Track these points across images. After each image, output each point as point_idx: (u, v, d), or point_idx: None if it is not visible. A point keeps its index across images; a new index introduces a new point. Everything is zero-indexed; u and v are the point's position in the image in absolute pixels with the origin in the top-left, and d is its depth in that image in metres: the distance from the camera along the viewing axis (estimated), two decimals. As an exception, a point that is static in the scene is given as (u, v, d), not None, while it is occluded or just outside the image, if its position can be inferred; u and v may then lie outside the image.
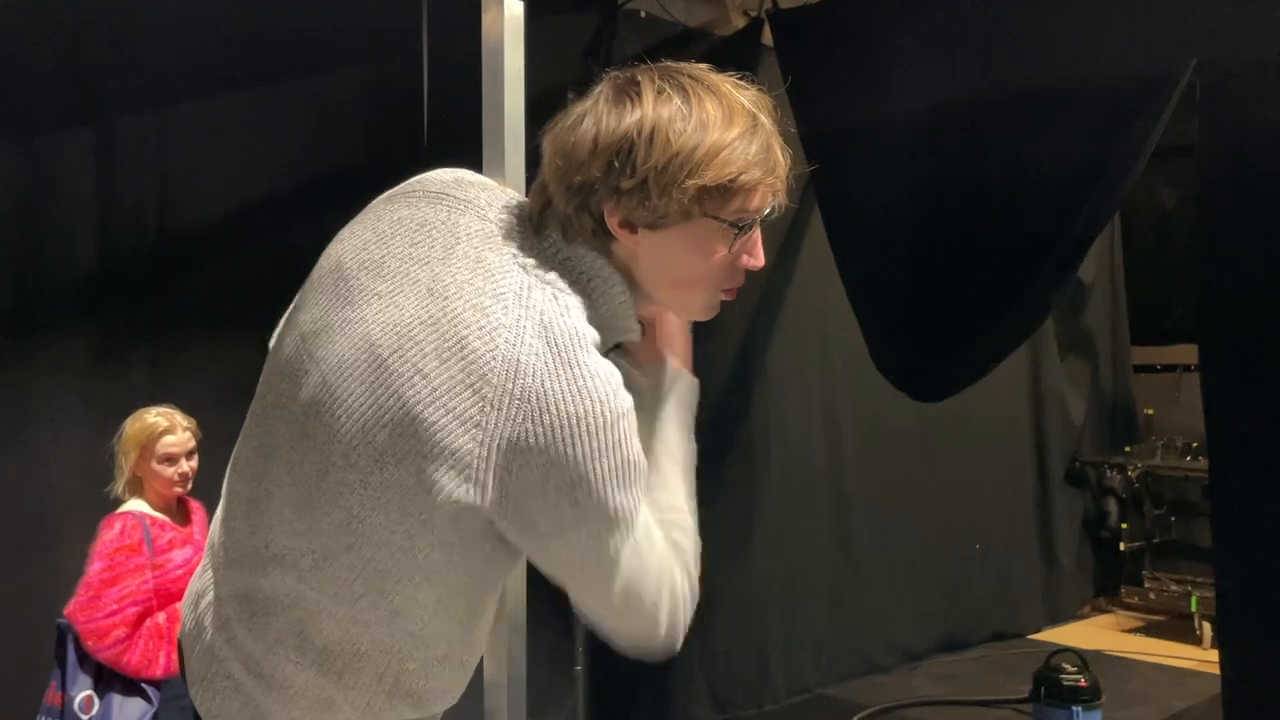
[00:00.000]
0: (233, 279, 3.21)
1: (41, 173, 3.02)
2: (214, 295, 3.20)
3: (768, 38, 4.31)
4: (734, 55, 4.48)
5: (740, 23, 4.53)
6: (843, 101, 3.94)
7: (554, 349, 1.09)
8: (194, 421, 2.74)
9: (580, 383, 1.08)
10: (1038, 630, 5.85)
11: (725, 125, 1.12)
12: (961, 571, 5.55)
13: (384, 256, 1.20)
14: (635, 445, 1.13)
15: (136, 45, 3.11)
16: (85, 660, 2.52)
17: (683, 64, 1.19)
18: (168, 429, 2.66)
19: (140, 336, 3.07)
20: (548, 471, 1.08)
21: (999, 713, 4.59)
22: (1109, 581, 6.32)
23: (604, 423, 1.08)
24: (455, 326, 1.11)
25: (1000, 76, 3.52)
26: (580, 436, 1.07)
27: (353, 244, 1.24)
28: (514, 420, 1.07)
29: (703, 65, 1.19)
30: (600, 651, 3.82)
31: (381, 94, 3.73)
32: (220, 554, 1.29)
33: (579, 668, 3.52)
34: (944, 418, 5.19)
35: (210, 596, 1.30)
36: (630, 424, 1.12)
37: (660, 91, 1.13)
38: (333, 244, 1.28)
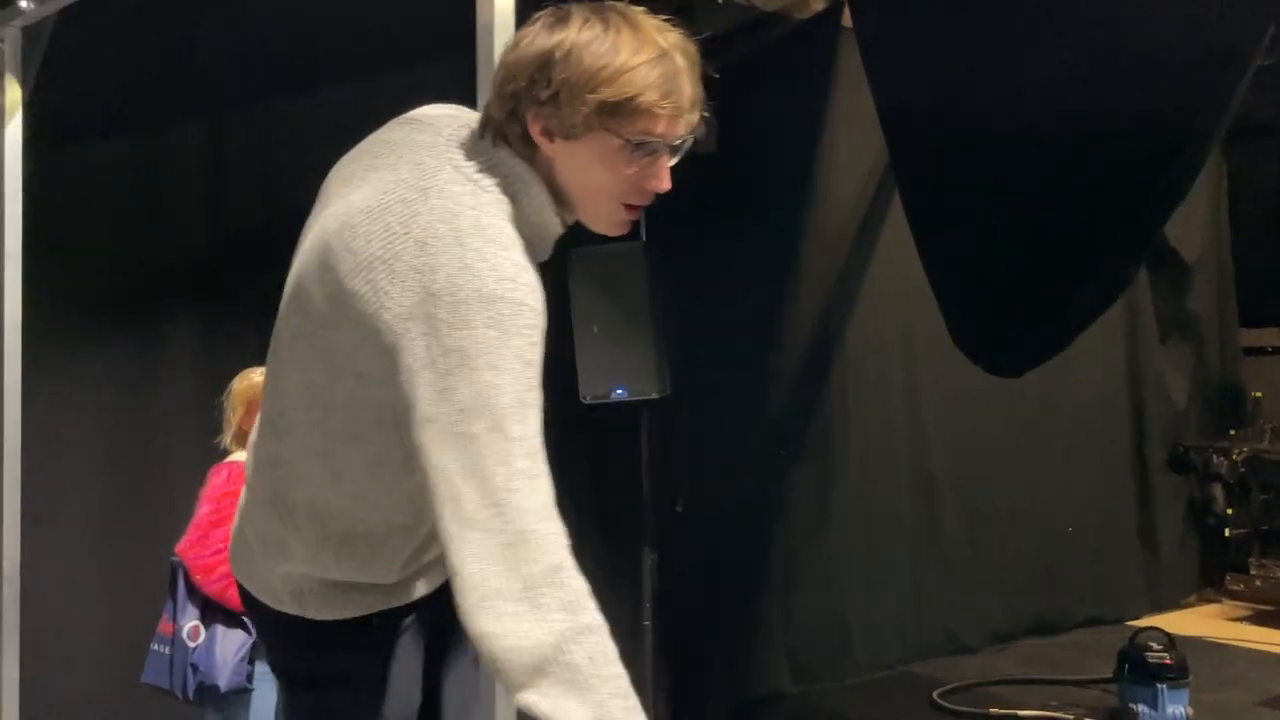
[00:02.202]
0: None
1: (163, 161, 3.33)
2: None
3: (847, 19, 4.37)
4: (813, 38, 4.56)
5: (819, 5, 4.60)
6: (921, 80, 3.99)
7: (456, 234, 1.24)
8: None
9: (466, 263, 1.22)
10: (1139, 617, 5.72)
11: (633, 52, 1.27)
12: (1054, 555, 5.49)
13: (353, 170, 1.42)
14: (522, 333, 1.21)
15: (247, 40, 3.39)
16: (194, 593, 2.78)
17: (616, 2, 1.35)
18: (269, 386, 2.91)
19: (248, 307, 3.36)
20: (433, 338, 1.20)
21: (1087, 692, 4.54)
22: (1215, 569, 6.14)
23: (483, 299, 1.20)
24: (383, 214, 1.29)
25: (1082, 48, 3.52)
26: (460, 307, 1.20)
27: (338, 165, 1.48)
28: (415, 289, 1.23)
29: (637, 7, 1.34)
30: (672, 612, 3.98)
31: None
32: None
33: (647, 623, 3.66)
34: (1036, 400, 5.16)
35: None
36: (519, 314, 1.22)
37: (586, 20, 1.29)
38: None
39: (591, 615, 1.17)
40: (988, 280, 3.95)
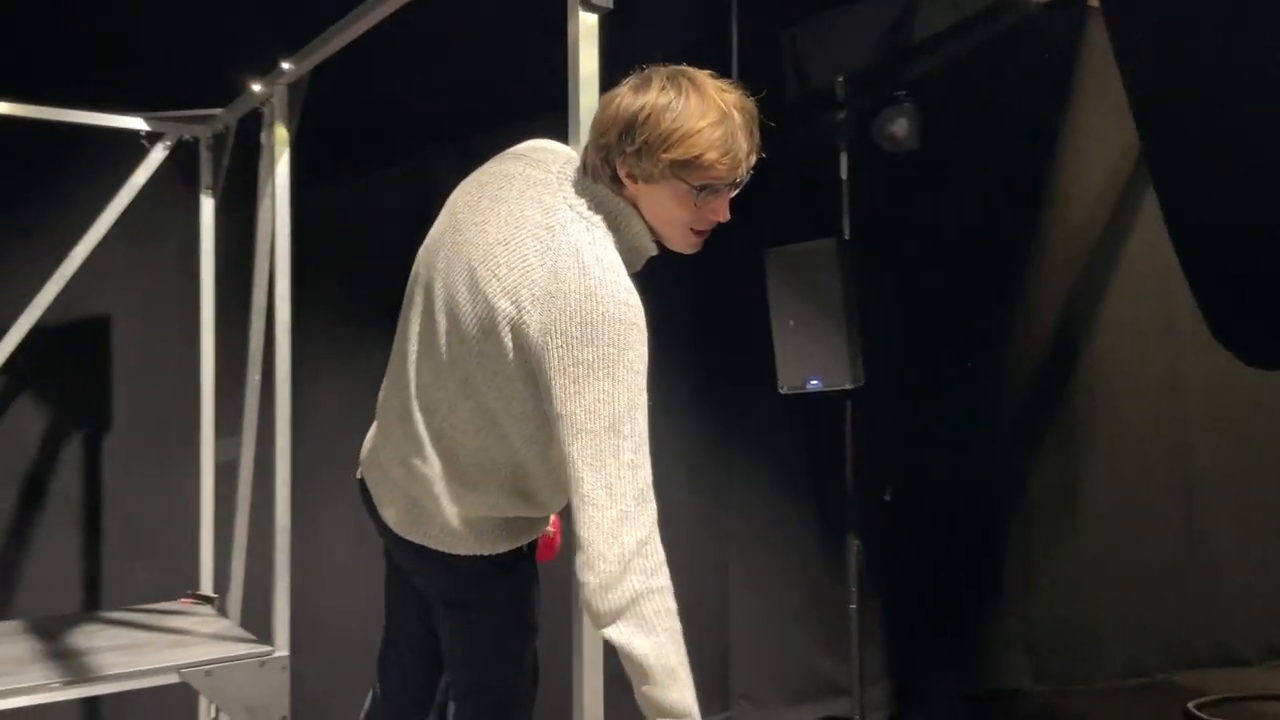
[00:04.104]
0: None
1: (395, 187, 3.82)
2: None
3: (1094, -1, 4.22)
4: (1055, 21, 4.42)
5: (1061, -14, 4.46)
6: (1175, 64, 3.80)
7: (581, 267, 1.56)
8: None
9: (591, 290, 1.54)
10: None
11: (699, 117, 1.58)
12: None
13: (479, 197, 1.76)
14: (633, 349, 1.53)
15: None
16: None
17: (686, 68, 1.65)
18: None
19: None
20: (566, 351, 1.53)
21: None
22: None
23: (602, 321, 1.52)
24: (520, 247, 1.64)
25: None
26: (588, 328, 1.52)
27: (462, 190, 1.82)
28: (548, 311, 1.56)
29: (706, 71, 1.65)
30: (886, 601, 4.05)
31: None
32: (387, 412, 1.91)
33: (853, 606, 3.76)
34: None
35: (384, 442, 1.91)
36: (630, 331, 1.54)
37: (663, 87, 1.60)
38: (453, 193, 1.85)
39: (662, 579, 1.53)
40: (1243, 268, 3.72)
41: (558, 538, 3.46)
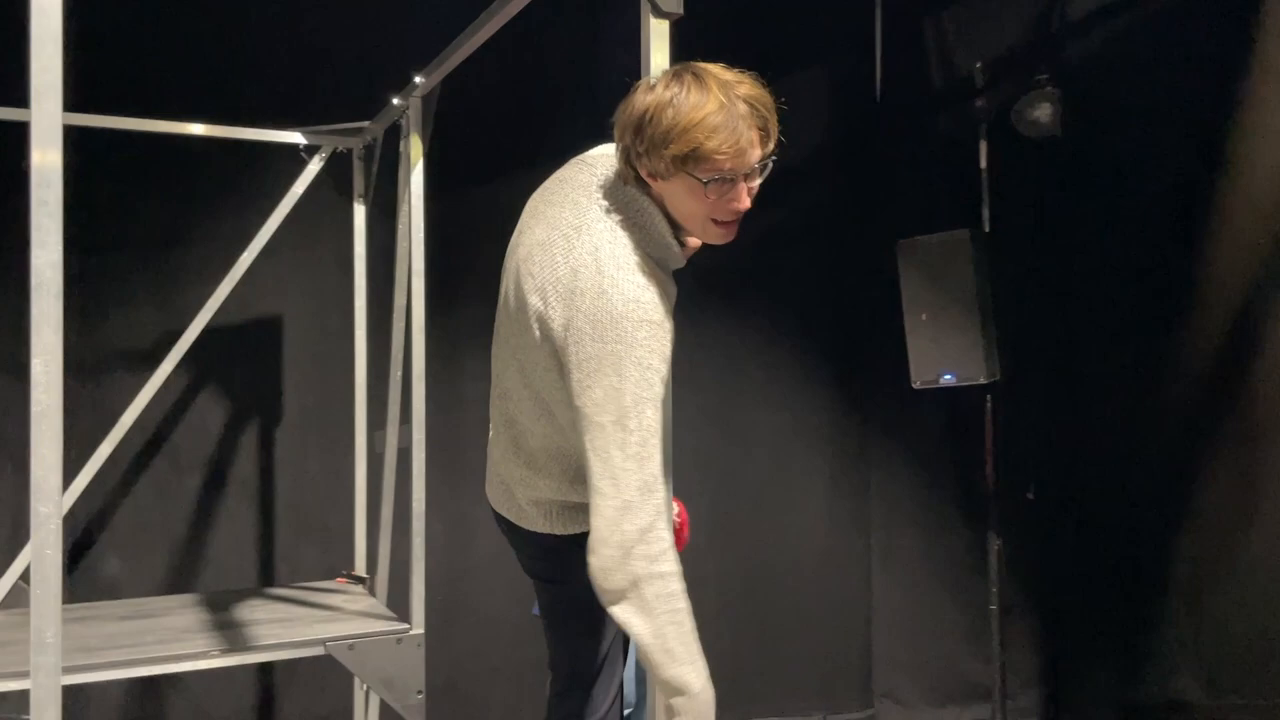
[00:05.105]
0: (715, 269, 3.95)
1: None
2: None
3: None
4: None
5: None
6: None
7: (597, 265, 1.65)
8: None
9: (603, 288, 1.62)
10: None
11: (696, 109, 1.58)
12: None
13: (539, 202, 1.89)
14: (642, 345, 1.58)
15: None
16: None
17: (696, 63, 1.65)
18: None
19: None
20: (579, 347, 1.62)
21: None
22: None
23: (609, 318, 1.60)
24: (550, 247, 1.74)
25: None
26: (598, 325, 1.61)
27: (533, 195, 1.94)
28: (568, 308, 1.66)
29: (718, 65, 1.64)
30: (1033, 602, 3.89)
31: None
32: (491, 399, 2.05)
33: (993, 607, 3.64)
34: None
35: (492, 427, 2.06)
36: (639, 328, 1.58)
37: (667, 85, 1.61)
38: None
39: (665, 566, 1.60)
40: None
41: (685, 529, 3.53)
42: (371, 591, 3.31)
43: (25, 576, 3.17)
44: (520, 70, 3.92)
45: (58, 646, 1.36)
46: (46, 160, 1.34)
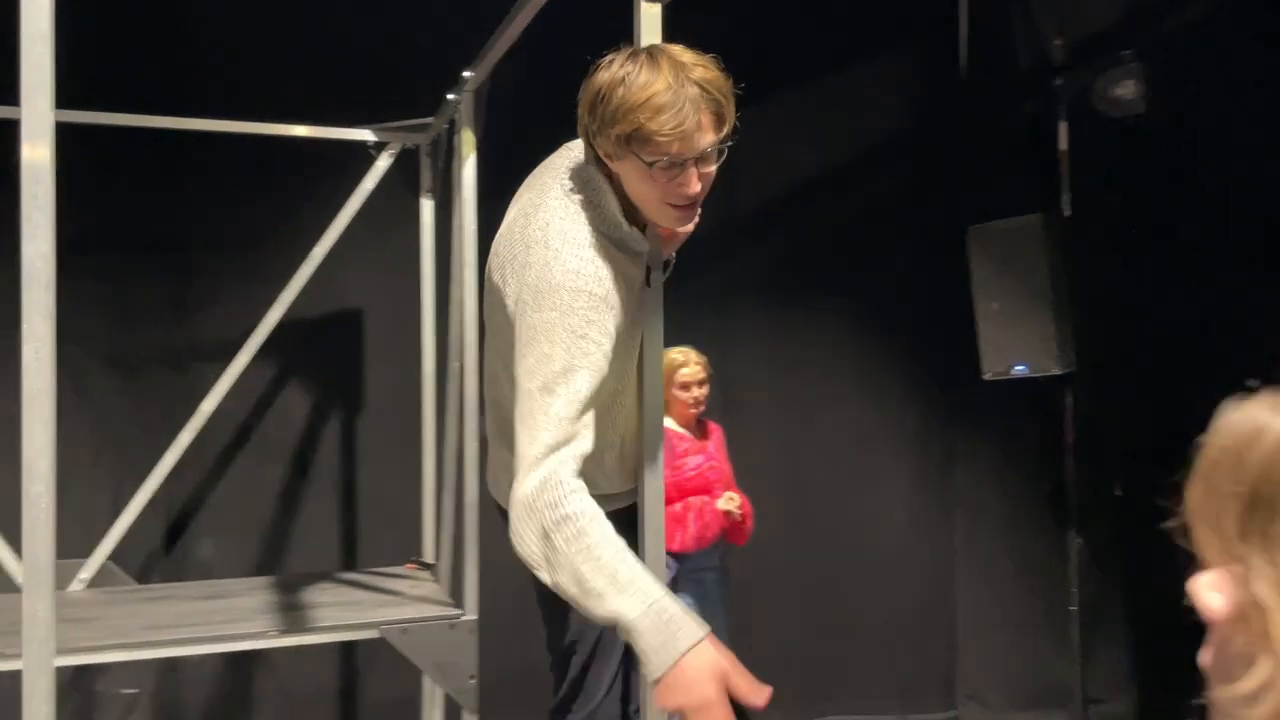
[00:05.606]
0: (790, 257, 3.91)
1: None
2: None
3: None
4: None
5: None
6: None
7: (545, 240, 1.65)
8: (705, 358, 3.45)
9: (546, 260, 1.63)
10: None
11: (642, 89, 1.54)
12: None
13: (522, 188, 1.90)
14: (578, 314, 1.57)
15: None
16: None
17: (660, 44, 1.62)
18: (684, 363, 3.41)
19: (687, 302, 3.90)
20: (522, 318, 1.63)
21: None
22: None
23: (548, 288, 1.60)
24: (514, 227, 1.76)
25: None
26: (538, 295, 1.61)
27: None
28: (517, 281, 1.67)
29: (676, 46, 1.59)
30: (1119, 602, 3.70)
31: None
32: None
33: (1073, 608, 3.47)
34: None
35: None
36: (577, 298, 1.58)
37: (623, 64, 1.58)
38: None
39: (571, 505, 1.50)
40: None
41: (749, 520, 3.49)
42: (437, 578, 3.38)
43: (113, 557, 3.37)
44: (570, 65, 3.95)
45: (51, 622, 1.43)
46: (36, 155, 1.41)
